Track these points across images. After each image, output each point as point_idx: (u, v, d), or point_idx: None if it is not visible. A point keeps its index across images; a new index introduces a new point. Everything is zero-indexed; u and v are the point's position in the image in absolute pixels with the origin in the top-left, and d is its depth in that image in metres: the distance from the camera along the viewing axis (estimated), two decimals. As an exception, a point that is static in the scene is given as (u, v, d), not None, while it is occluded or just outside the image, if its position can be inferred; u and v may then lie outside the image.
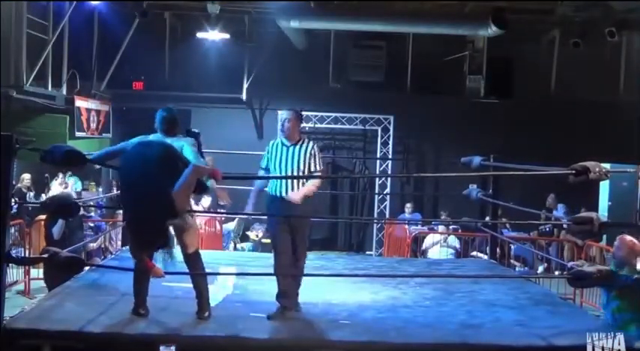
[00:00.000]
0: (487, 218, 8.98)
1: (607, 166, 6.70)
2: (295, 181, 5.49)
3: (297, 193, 5.45)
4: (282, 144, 5.58)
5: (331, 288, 6.50)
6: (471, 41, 14.12)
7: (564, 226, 10.37)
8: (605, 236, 9.39)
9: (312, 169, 5.52)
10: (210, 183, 5.00)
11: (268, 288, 6.29)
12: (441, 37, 13.51)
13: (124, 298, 5.59)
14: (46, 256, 4.96)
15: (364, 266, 8.12)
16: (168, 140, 4.94)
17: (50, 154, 4.93)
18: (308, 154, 5.51)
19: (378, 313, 5.76)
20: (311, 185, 5.51)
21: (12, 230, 7.44)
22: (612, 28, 12.57)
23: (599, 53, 13.79)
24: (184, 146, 4.89)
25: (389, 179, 14.16)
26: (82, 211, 8.03)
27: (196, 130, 5.32)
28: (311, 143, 5.59)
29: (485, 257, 9.31)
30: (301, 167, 5.50)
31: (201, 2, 12.52)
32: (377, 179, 14.16)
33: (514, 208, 8.57)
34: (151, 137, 5.03)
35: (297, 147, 5.55)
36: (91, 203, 10.54)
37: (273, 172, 5.56)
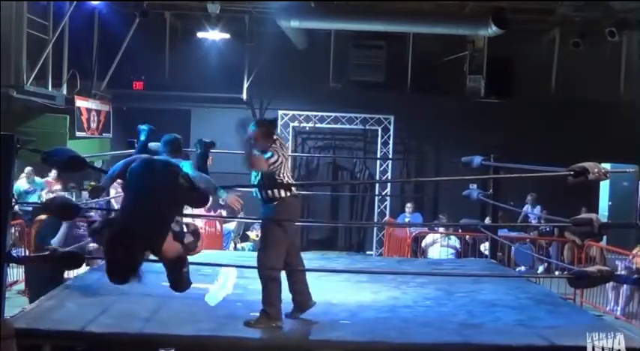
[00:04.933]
0: (487, 219, 8.98)
1: (607, 166, 6.72)
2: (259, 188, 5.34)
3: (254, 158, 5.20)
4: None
5: (331, 288, 6.50)
6: (471, 41, 14.11)
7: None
8: (605, 236, 9.39)
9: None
10: (226, 196, 5.03)
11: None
12: (441, 37, 13.52)
13: (124, 298, 5.60)
14: (46, 253, 4.97)
15: (364, 266, 8.11)
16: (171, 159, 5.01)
17: (53, 158, 4.93)
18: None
19: (378, 313, 5.77)
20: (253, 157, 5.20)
21: (12, 230, 7.39)
22: (612, 28, 12.56)
23: (599, 53, 13.79)
24: (183, 164, 4.95)
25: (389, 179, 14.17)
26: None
27: (209, 141, 5.73)
28: (269, 153, 5.25)
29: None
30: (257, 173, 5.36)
31: (201, 2, 12.53)
32: (377, 179, 14.15)
33: (514, 210, 8.57)
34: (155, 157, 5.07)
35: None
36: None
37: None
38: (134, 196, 4.58)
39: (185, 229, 5.41)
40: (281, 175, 5.28)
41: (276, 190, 5.28)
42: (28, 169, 11.84)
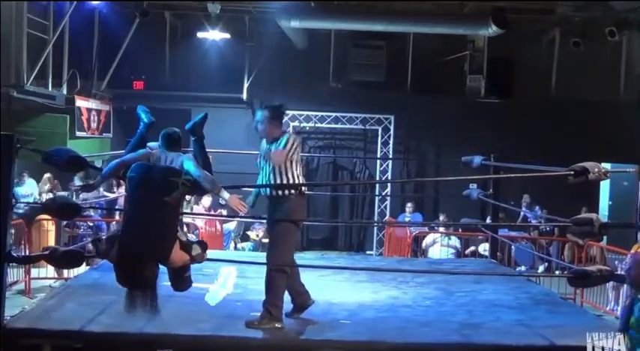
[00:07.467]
0: (487, 218, 8.98)
1: (607, 166, 6.71)
2: (273, 179, 5.27)
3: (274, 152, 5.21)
4: (266, 142, 5.43)
5: (331, 287, 6.52)
6: (471, 41, 14.11)
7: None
8: (605, 236, 9.39)
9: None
10: (228, 198, 4.97)
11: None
12: (441, 37, 13.52)
13: (124, 298, 5.59)
14: (46, 253, 4.97)
15: (364, 266, 8.12)
16: (170, 156, 4.87)
17: (53, 158, 4.92)
18: (278, 146, 5.25)
19: (378, 313, 5.77)
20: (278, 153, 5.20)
21: (12, 230, 7.39)
22: (612, 28, 12.56)
23: (599, 53, 13.79)
24: (184, 161, 4.81)
25: (389, 179, 14.16)
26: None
27: (198, 117, 5.41)
28: (286, 136, 5.28)
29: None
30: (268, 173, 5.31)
31: (201, 2, 12.53)
32: (377, 179, 14.15)
33: (514, 210, 8.57)
34: (156, 153, 4.91)
35: (275, 144, 5.30)
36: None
37: (259, 170, 5.45)
38: (136, 209, 4.57)
39: (192, 238, 5.32)
40: (295, 173, 5.29)
41: (286, 190, 5.25)
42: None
